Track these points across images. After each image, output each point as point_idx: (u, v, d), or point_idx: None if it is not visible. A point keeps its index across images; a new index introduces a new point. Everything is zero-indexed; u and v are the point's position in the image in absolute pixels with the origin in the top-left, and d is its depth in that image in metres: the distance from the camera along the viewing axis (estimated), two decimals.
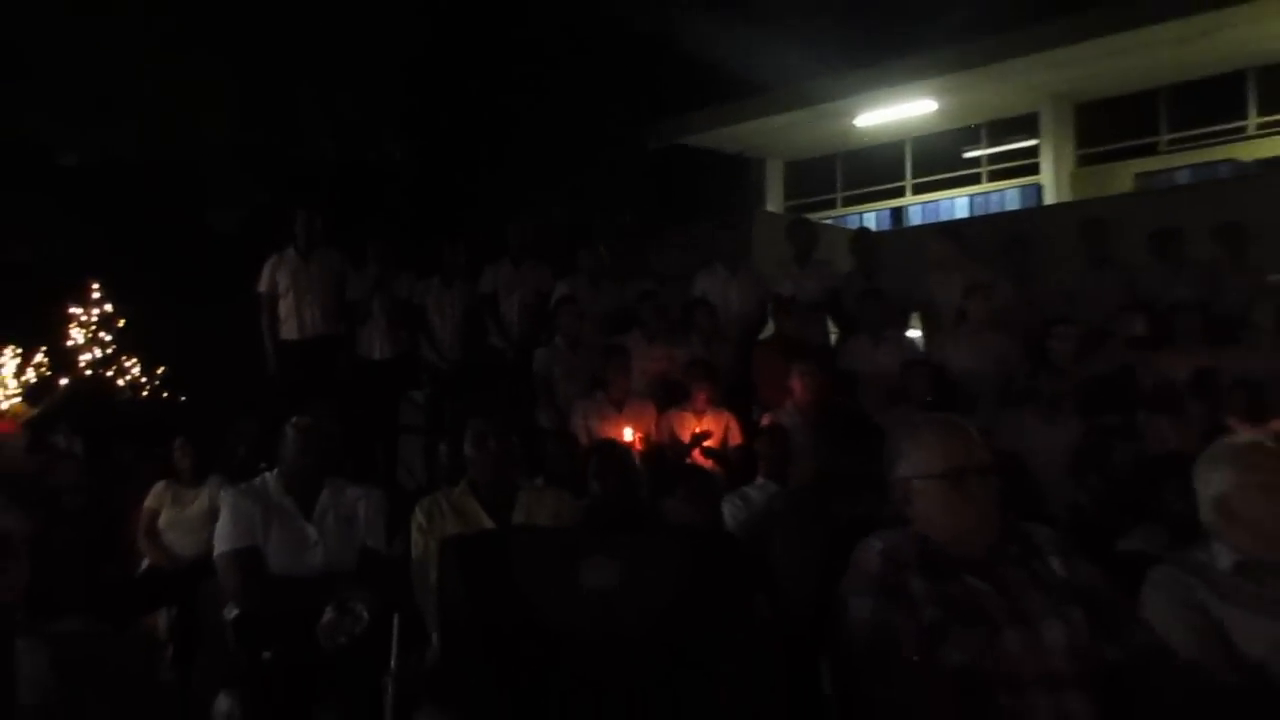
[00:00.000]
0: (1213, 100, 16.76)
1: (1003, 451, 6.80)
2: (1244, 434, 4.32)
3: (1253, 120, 16.40)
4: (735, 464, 6.88)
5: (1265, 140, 16.20)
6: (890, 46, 17.31)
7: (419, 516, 4.28)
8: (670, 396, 7.64)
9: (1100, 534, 4.60)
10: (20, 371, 19.02)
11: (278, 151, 16.54)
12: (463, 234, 9.89)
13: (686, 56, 17.43)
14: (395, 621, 3.71)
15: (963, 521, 2.71)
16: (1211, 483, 3.06)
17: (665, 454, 7.02)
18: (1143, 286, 8.35)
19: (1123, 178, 16.98)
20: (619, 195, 17.44)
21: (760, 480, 5.98)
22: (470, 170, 17.65)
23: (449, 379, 8.46)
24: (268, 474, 4.50)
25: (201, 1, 16.09)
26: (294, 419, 4.51)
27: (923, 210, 19.10)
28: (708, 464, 6.89)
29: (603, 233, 11.88)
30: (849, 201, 19.90)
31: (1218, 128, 16.75)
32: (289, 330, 8.57)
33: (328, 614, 3.86)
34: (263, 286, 8.62)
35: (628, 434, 7.05)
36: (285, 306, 8.57)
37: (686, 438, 7.12)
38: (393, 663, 3.64)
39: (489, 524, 4.17)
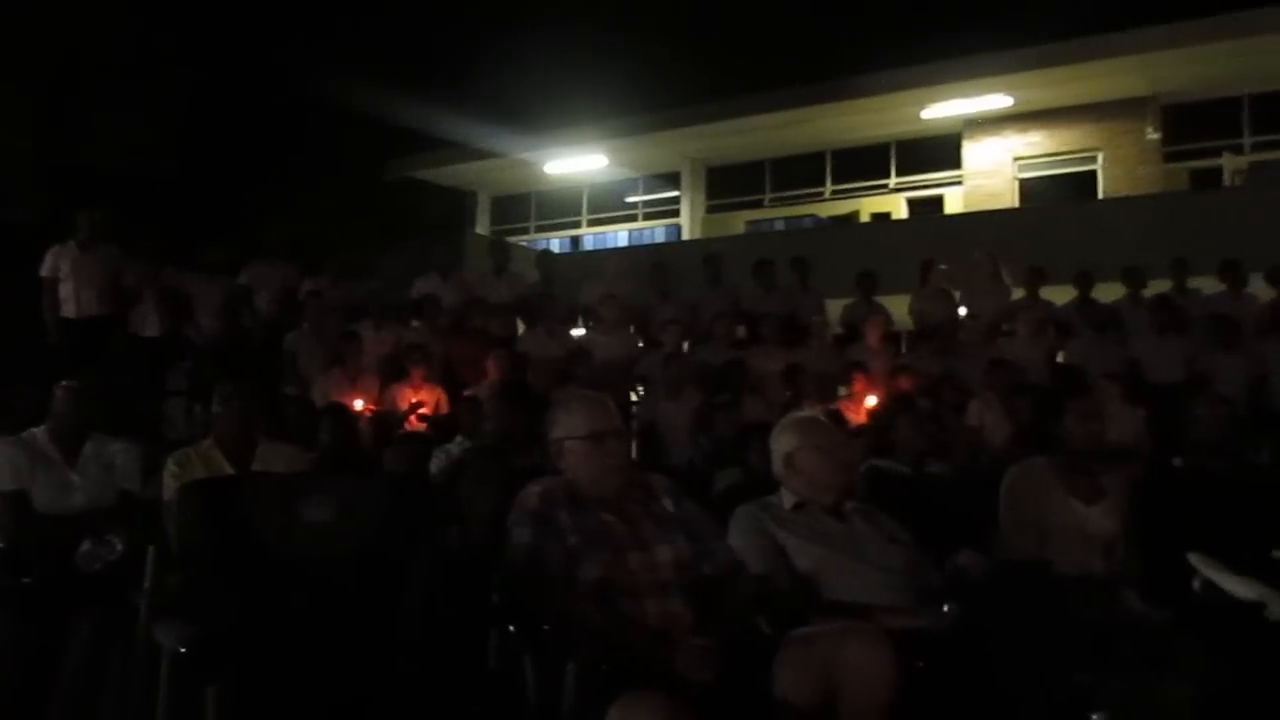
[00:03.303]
0: (801, 171, 17.46)
1: (640, 419, 7.03)
2: (808, 410, 4.57)
3: (828, 187, 17.26)
4: (443, 426, 6.78)
5: (837, 203, 17.09)
6: (573, 113, 17.45)
7: (172, 465, 3.96)
8: (393, 373, 7.45)
9: (706, 481, 4.79)
10: None
11: (69, 160, 15.15)
12: (224, 237, 9.40)
13: (416, 111, 17.11)
14: (150, 553, 3.42)
15: (600, 471, 2.74)
16: (781, 444, 3.20)
17: (387, 419, 6.86)
18: (745, 302, 8.80)
19: (737, 224, 17.56)
20: (359, 214, 16.99)
21: (459, 439, 5.91)
22: (235, 186, 16.74)
23: (207, 354, 7.95)
24: (36, 429, 4.11)
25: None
26: (63, 382, 4.14)
27: (594, 239, 19.31)
28: (421, 427, 6.78)
29: (344, 242, 11.52)
30: (540, 229, 19.87)
31: (804, 191, 17.47)
32: (68, 310, 7.83)
33: (85, 545, 3.58)
34: (45, 271, 7.83)
35: (358, 403, 6.87)
36: (65, 290, 7.81)
37: (405, 406, 6.96)
38: (146, 585, 3.37)
39: (230, 471, 3.91)
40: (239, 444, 4.05)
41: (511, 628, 2.54)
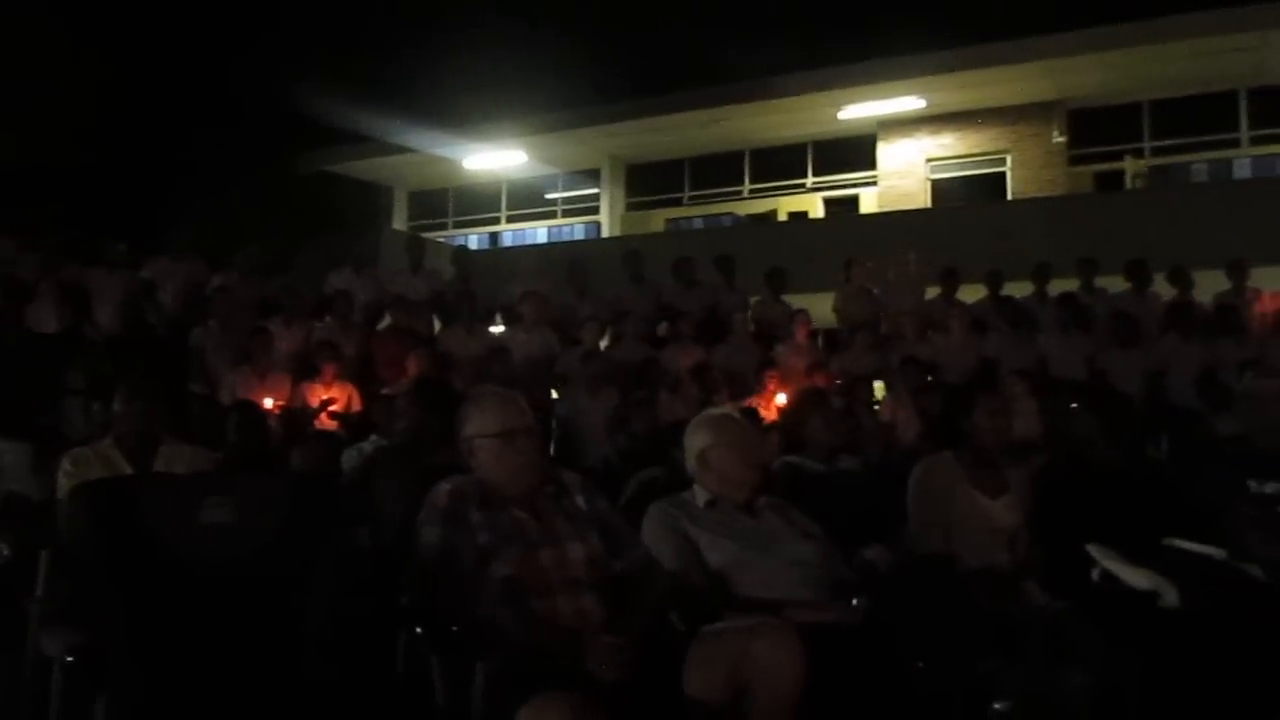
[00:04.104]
0: (720, 170, 17.56)
1: (559, 417, 7.00)
2: (722, 408, 4.59)
3: (746, 186, 17.39)
4: (355, 425, 6.66)
5: (754, 201, 17.23)
6: (492, 108, 17.29)
7: (66, 464, 3.82)
8: (304, 371, 7.29)
9: (623, 478, 4.78)
10: None
11: None
12: (127, 231, 9.10)
13: (333, 101, 16.77)
14: (43, 556, 3.28)
15: (511, 469, 2.71)
16: (694, 442, 3.21)
17: (297, 417, 6.71)
18: (665, 299, 8.81)
19: (657, 221, 17.61)
20: (272, 208, 16.56)
21: (373, 437, 5.80)
22: (139, 179, 16.20)
23: (108, 351, 7.69)
24: None
25: None
26: None
27: (514, 235, 19.19)
28: (332, 425, 6.66)
29: (255, 236, 11.22)
30: (459, 225, 19.66)
31: (723, 190, 17.58)
32: None
33: None
34: None
35: (268, 401, 6.71)
36: None
37: (315, 404, 6.83)
38: (38, 590, 3.23)
39: (129, 471, 3.77)
40: (139, 444, 3.92)
41: (419, 629, 2.49)
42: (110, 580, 2.44)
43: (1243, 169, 14.21)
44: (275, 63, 17.43)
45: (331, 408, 6.82)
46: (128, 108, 16.62)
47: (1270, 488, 3.29)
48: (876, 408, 7.20)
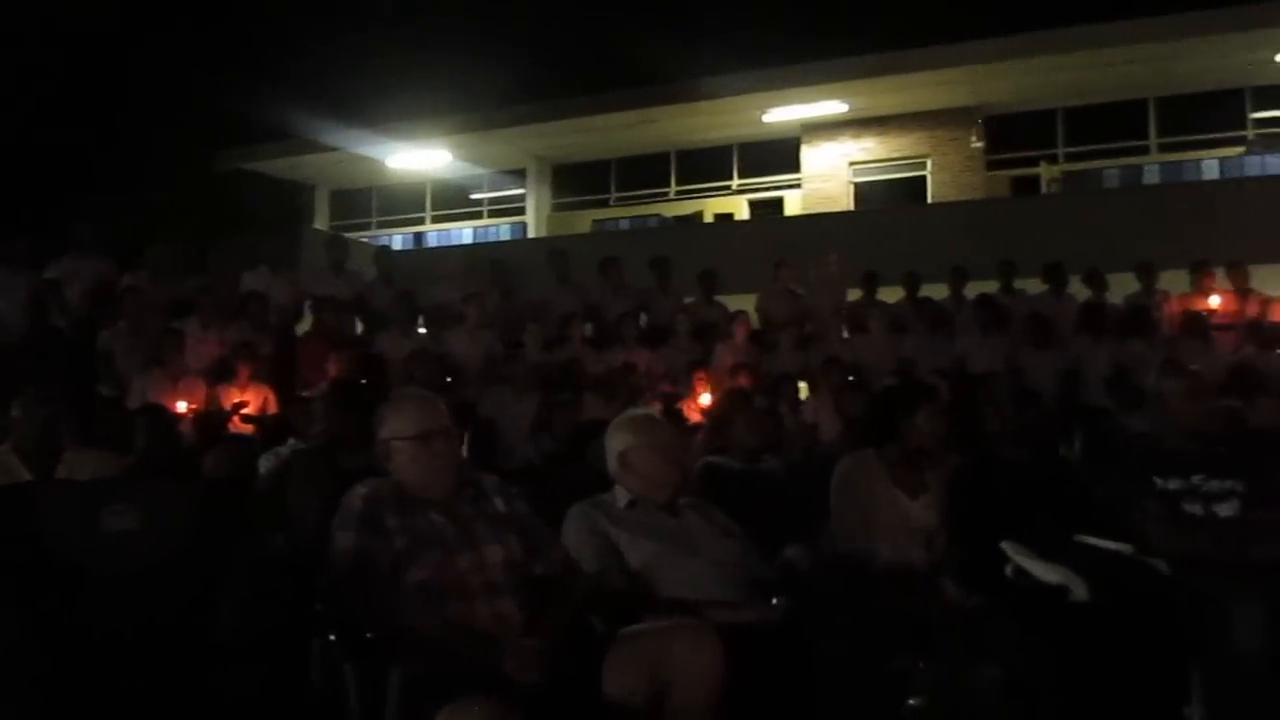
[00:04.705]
0: (647, 171, 17.63)
1: (483, 418, 6.93)
2: (644, 408, 4.60)
3: (673, 188, 17.50)
4: (271, 428, 6.51)
5: (681, 203, 17.33)
6: (416, 107, 17.08)
7: None
8: (219, 373, 7.11)
9: (546, 480, 4.75)
10: None
11: None
12: (31, 228, 8.77)
13: (252, 96, 16.41)
14: None
15: (428, 472, 2.67)
16: (615, 443, 3.20)
17: (211, 421, 6.55)
18: (591, 300, 8.79)
19: (584, 222, 17.55)
20: (187, 206, 16.13)
21: (291, 440, 5.69)
22: (45, 174, 15.65)
23: (10, 354, 7.40)
24: None
25: None
26: None
27: (438, 236, 19.00)
28: (247, 428, 6.51)
29: (169, 235, 10.90)
30: (382, 225, 19.40)
31: (650, 191, 17.65)
32: None
33: None
34: None
35: (181, 405, 6.54)
36: None
37: (229, 407, 6.67)
38: None
39: (28, 478, 3.64)
40: (40, 450, 3.79)
41: (332, 636, 2.43)
42: (5, 589, 2.34)
43: (1152, 174, 14.69)
44: (193, 56, 17.03)
45: (245, 411, 6.66)
46: (32, 99, 16.07)
47: (1175, 484, 3.39)
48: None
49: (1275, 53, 13.29)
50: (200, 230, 13.65)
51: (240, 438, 5.85)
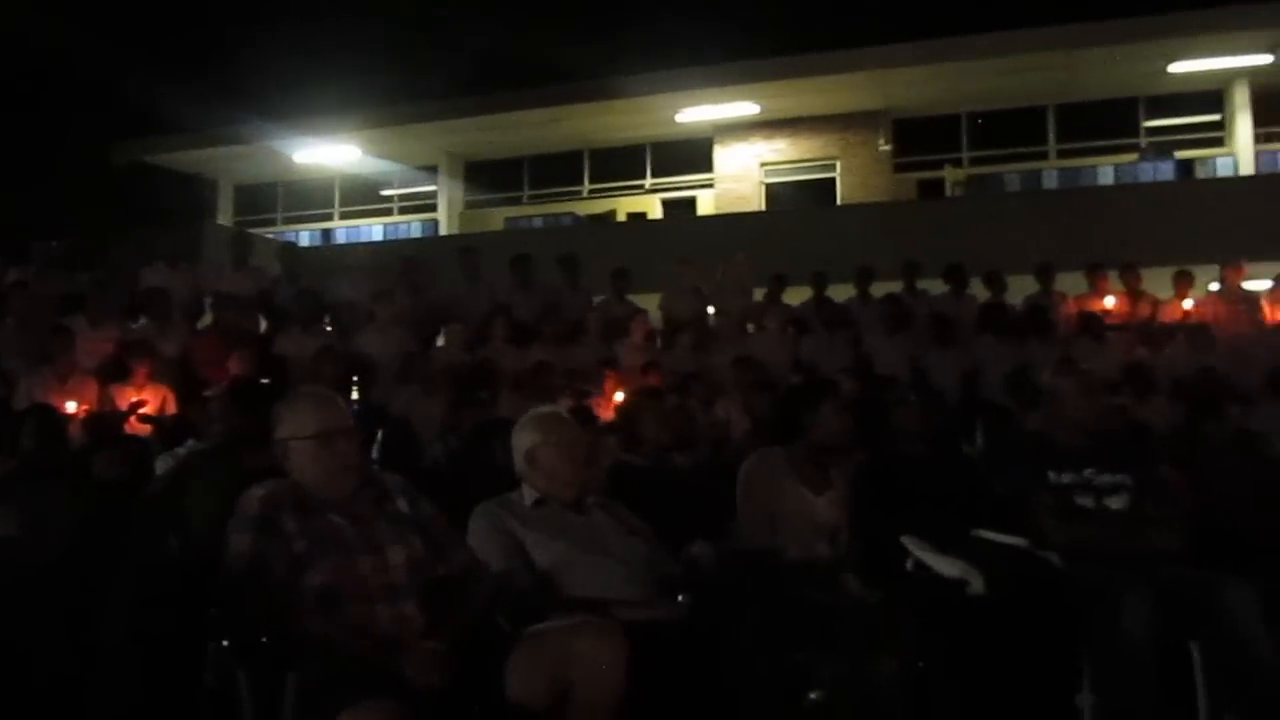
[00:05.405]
0: (560, 169, 17.62)
1: (393, 417, 6.81)
2: (551, 406, 4.56)
3: (586, 186, 17.53)
4: (170, 429, 6.30)
5: (594, 201, 17.34)
6: (324, 100, 16.77)
7: None
8: (113, 372, 6.85)
9: (453, 480, 4.70)
10: None
11: None
12: None
13: (153, 86, 15.90)
14: None
15: (328, 472, 2.61)
16: (522, 441, 3.18)
17: (104, 421, 6.31)
18: (501, 298, 8.70)
19: (497, 220, 17.44)
20: (81, 199, 15.56)
21: (190, 441, 5.51)
22: None
23: None
24: None
25: None
26: None
27: (347, 232, 18.66)
28: (144, 429, 6.28)
29: (61, 229, 10.50)
30: (288, 221, 18.97)
31: (563, 189, 17.64)
32: None
33: None
34: None
35: (71, 406, 6.28)
36: None
37: (125, 408, 6.43)
38: None
39: None
40: None
41: (225, 641, 2.36)
42: None
43: (1051, 179, 15.19)
44: (91, 44, 16.43)
45: (143, 410, 6.43)
46: None
47: (1068, 477, 3.51)
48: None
49: (1168, 63, 13.85)
50: (96, 225, 13.20)
51: (135, 439, 5.65)
